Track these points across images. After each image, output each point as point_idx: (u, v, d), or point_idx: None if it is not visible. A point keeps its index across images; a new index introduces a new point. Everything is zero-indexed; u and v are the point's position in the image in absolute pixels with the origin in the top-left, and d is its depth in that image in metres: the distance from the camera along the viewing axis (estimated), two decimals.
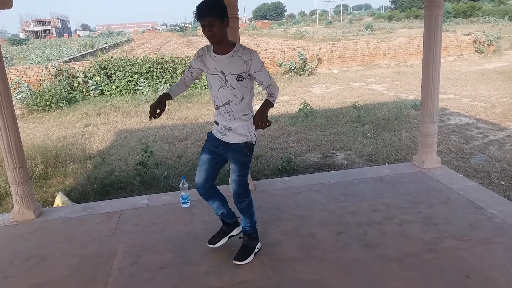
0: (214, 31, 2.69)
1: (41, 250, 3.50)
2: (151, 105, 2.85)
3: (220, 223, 3.35)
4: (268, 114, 2.65)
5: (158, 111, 2.84)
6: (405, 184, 4.41)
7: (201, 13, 2.67)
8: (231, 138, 2.94)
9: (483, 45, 17.48)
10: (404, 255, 3.12)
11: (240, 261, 3.11)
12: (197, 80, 13.39)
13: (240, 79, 2.81)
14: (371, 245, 3.27)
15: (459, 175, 4.66)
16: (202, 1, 2.68)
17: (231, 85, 2.82)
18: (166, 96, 2.92)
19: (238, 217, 3.30)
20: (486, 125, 7.51)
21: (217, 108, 2.93)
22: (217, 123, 3.00)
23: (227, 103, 2.86)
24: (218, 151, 3.01)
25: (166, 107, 2.95)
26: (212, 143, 3.03)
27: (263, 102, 2.72)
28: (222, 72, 2.81)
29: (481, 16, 41.55)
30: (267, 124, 2.60)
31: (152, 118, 2.86)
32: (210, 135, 3.09)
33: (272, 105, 2.72)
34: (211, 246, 3.30)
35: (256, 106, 2.89)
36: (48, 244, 3.63)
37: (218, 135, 2.99)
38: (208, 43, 2.89)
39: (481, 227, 3.44)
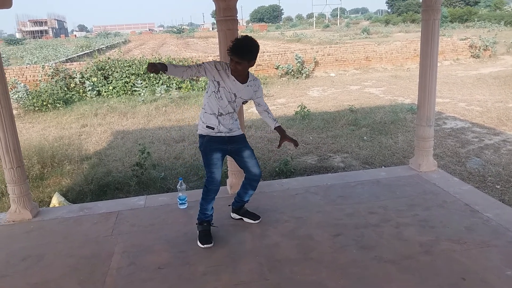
0: (239, 69, 3.16)
1: (38, 250, 3.50)
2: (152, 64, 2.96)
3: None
4: None
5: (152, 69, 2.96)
6: (401, 187, 4.44)
7: (235, 52, 3.06)
8: (236, 132, 3.44)
9: (479, 50, 17.61)
10: (401, 257, 3.14)
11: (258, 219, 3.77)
12: (194, 82, 13.41)
13: (244, 102, 3.45)
14: (368, 247, 3.29)
15: (455, 179, 4.70)
16: (242, 42, 3.09)
17: (236, 104, 3.37)
18: (163, 67, 3.04)
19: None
20: (482, 130, 7.56)
21: (220, 114, 3.32)
22: (213, 127, 3.34)
23: (232, 112, 3.39)
24: (226, 148, 3.41)
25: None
26: (219, 143, 3.37)
27: (279, 128, 3.45)
28: (235, 94, 3.29)
29: (477, 21, 41.78)
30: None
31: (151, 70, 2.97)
32: (212, 138, 3.35)
33: None
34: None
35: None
36: (45, 244, 3.62)
37: (222, 134, 3.36)
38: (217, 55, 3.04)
39: (477, 230, 3.47)
